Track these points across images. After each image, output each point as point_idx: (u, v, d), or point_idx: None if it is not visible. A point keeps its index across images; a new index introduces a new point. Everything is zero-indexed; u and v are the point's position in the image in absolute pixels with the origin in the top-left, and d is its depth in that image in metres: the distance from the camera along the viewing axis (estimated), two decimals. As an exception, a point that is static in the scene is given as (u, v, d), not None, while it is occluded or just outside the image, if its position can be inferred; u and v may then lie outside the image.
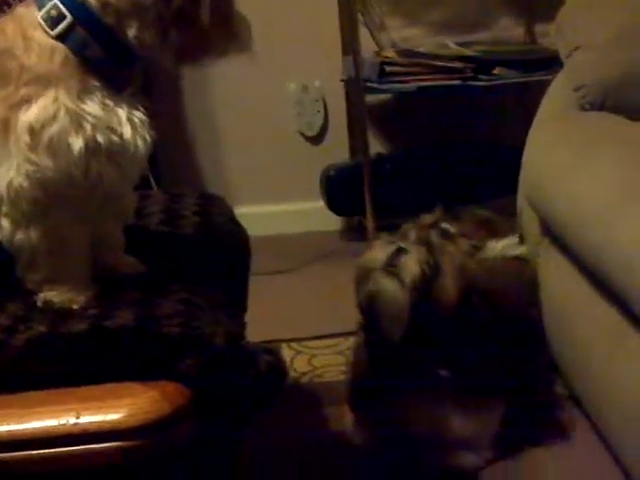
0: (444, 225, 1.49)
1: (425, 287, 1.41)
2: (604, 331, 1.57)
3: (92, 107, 1.11)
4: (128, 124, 1.13)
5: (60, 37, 1.12)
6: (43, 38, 1.12)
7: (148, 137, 1.15)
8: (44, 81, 1.10)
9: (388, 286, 1.43)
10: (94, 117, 1.11)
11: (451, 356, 1.49)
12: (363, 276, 1.46)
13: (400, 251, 1.43)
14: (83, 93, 1.11)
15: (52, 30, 1.12)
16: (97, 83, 1.13)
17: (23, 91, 1.10)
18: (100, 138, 1.11)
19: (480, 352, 1.51)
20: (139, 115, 1.14)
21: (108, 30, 1.13)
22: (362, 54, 2.80)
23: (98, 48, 1.13)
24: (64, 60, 1.12)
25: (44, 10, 1.13)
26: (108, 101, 1.12)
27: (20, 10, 1.16)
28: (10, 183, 1.10)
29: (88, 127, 1.10)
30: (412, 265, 1.41)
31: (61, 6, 1.12)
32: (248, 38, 1.20)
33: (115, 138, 1.12)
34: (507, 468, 1.63)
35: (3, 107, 1.11)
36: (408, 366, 1.54)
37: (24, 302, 1.16)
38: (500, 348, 1.53)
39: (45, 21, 1.12)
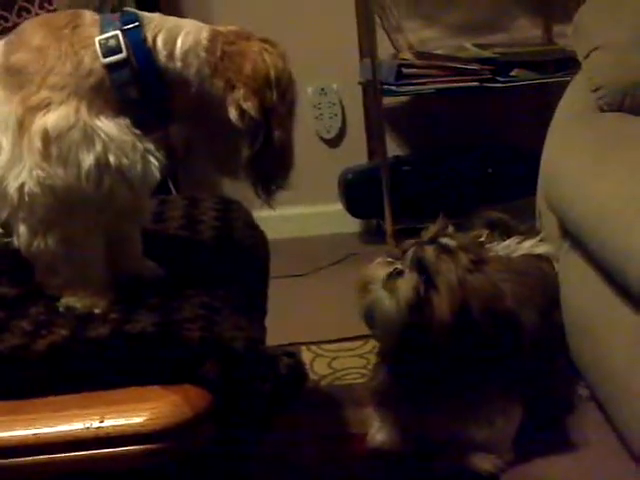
0: (443, 240, 1.52)
1: (419, 307, 1.48)
2: (624, 333, 1.56)
3: (108, 126, 1.11)
4: (141, 160, 1.13)
5: (107, 67, 1.12)
6: (87, 57, 1.12)
7: (158, 176, 1.16)
8: (72, 90, 1.11)
9: (384, 303, 1.50)
10: (107, 135, 1.11)
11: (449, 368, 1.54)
12: (363, 288, 1.54)
13: (397, 273, 1.50)
14: (102, 114, 1.12)
15: (103, 57, 1.12)
16: (120, 114, 1.13)
17: (44, 93, 1.10)
18: (111, 158, 1.11)
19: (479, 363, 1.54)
20: (158, 156, 1.15)
21: (160, 87, 1.15)
22: (379, 56, 2.80)
23: (137, 92, 1.13)
24: (97, 83, 1.12)
25: (104, 35, 1.13)
26: (127, 130, 1.13)
27: (85, 19, 1.16)
28: (22, 187, 1.11)
29: (99, 145, 1.11)
30: (406, 288, 1.48)
31: (121, 40, 1.12)
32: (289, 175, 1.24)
33: (126, 162, 1.12)
34: (527, 471, 1.63)
35: (21, 107, 1.11)
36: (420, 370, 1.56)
37: (46, 307, 1.17)
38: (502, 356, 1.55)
39: (101, 45, 1.12)
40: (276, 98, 1.17)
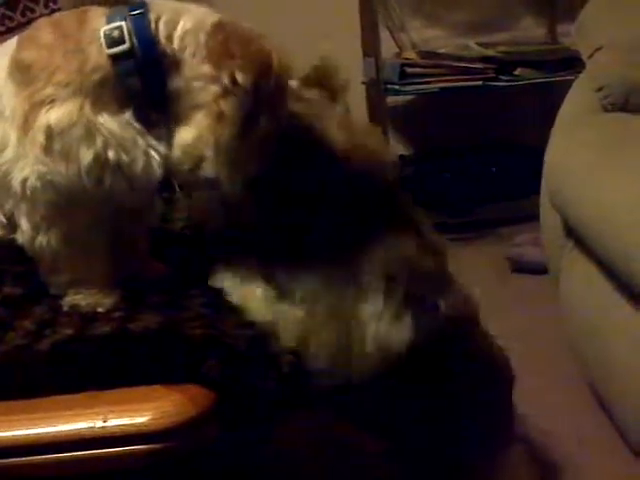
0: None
1: None
2: (627, 332, 1.56)
3: (110, 123, 1.11)
4: (143, 156, 1.12)
5: (111, 58, 1.11)
6: (93, 52, 1.11)
7: (160, 171, 1.13)
8: (75, 88, 1.10)
9: None
10: (108, 131, 1.10)
11: None
12: None
13: None
14: (106, 110, 1.11)
15: (107, 49, 1.11)
16: (126, 110, 1.12)
17: (49, 90, 1.10)
18: (111, 155, 1.10)
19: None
20: (160, 149, 1.13)
21: (160, 74, 1.12)
22: (383, 56, 2.80)
23: (139, 82, 1.12)
24: (103, 79, 1.11)
25: (109, 26, 1.11)
26: (129, 127, 1.11)
27: (89, 14, 1.15)
28: (24, 181, 1.11)
29: (99, 141, 1.10)
30: None
31: (125, 30, 1.10)
32: None
33: (126, 158, 1.11)
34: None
35: (27, 102, 1.11)
36: None
37: (49, 306, 1.17)
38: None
39: (105, 36, 1.11)
40: (273, 87, 1.10)
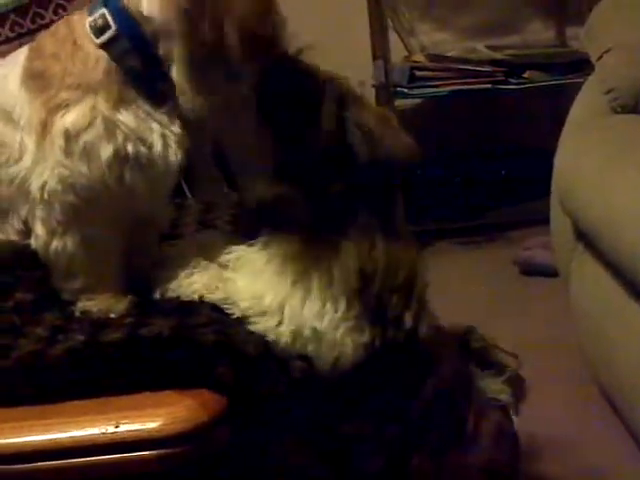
0: None
1: None
2: (638, 334, 1.56)
3: (127, 117, 1.12)
4: (160, 139, 1.13)
5: (104, 45, 1.13)
6: (90, 47, 1.13)
7: (179, 154, 1.15)
8: (85, 88, 1.12)
9: None
10: (127, 127, 1.12)
11: None
12: None
13: None
14: (120, 103, 1.12)
15: (97, 38, 1.13)
16: (135, 94, 1.13)
17: (63, 95, 1.12)
18: (130, 148, 1.12)
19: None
20: (174, 129, 1.14)
21: (147, 43, 1.13)
22: (392, 59, 2.80)
23: (137, 59, 1.13)
24: (106, 69, 1.13)
25: (92, 18, 1.14)
26: (143, 113, 1.13)
27: (74, 17, 1.18)
28: (43, 185, 1.12)
29: (120, 137, 1.11)
30: None
31: (108, 16, 1.13)
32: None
33: (144, 150, 1.13)
34: (538, 471, 1.62)
35: (43, 109, 1.12)
36: None
37: (62, 312, 1.17)
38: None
39: (92, 29, 1.13)
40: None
